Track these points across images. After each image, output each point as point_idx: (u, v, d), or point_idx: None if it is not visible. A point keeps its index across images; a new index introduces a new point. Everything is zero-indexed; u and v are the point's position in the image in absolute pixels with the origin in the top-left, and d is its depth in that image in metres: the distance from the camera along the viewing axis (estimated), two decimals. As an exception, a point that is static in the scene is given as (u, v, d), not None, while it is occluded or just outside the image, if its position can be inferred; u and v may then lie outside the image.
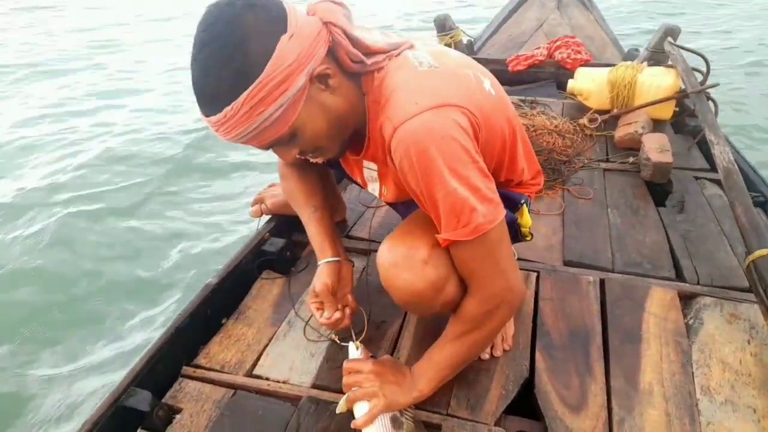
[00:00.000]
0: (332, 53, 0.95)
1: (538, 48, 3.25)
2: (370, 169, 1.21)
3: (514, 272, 1.08)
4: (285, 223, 1.77)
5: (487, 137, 1.03)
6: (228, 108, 0.86)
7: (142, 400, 1.20)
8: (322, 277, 1.30)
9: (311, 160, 1.08)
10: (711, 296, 1.53)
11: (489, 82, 1.08)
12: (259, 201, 1.75)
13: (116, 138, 4.14)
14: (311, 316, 1.47)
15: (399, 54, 1.01)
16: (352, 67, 0.97)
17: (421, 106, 0.92)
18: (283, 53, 0.85)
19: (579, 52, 3.10)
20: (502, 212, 1.00)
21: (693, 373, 1.31)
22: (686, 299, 1.54)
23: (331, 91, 0.95)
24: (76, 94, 5.07)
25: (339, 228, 1.81)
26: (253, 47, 0.84)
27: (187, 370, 1.34)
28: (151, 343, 1.32)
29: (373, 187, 1.26)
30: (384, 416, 1.11)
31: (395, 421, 1.11)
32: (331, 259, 1.32)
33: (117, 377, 1.25)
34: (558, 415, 1.21)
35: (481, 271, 1.05)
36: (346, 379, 1.16)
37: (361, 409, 1.11)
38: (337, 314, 1.27)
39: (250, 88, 0.85)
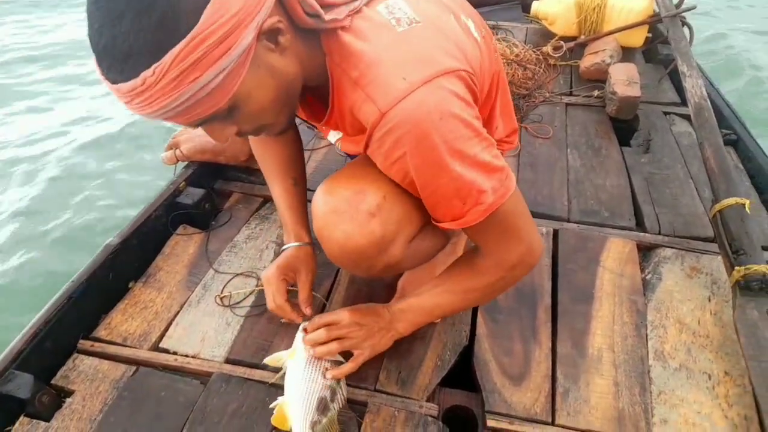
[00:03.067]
0: (281, 3, 0.73)
1: (504, -35, 2.96)
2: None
3: (533, 233, 0.94)
4: (204, 170, 1.57)
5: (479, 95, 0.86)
6: (148, 72, 0.61)
7: (21, 385, 1.03)
8: (308, 264, 1.16)
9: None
10: (672, 247, 1.41)
11: (473, 24, 0.90)
12: (173, 146, 1.54)
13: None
14: (230, 279, 1.31)
15: (366, 6, 0.80)
16: (306, 21, 0.75)
17: (411, 82, 0.74)
18: None
19: (548, -29, 2.83)
20: (513, 179, 0.85)
21: (647, 335, 1.20)
22: (645, 250, 1.42)
23: (280, 51, 0.74)
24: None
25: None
26: None
27: (84, 344, 1.18)
28: (36, 315, 1.14)
29: (333, 136, 1.08)
30: (313, 394, 0.98)
31: (322, 403, 0.98)
32: (303, 244, 1.17)
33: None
34: (497, 388, 1.10)
35: (498, 240, 0.92)
36: (328, 333, 1.00)
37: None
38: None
39: (181, 44, 0.61)
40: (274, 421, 0.98)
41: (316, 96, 0.94)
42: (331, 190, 0.92)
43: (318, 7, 0.74)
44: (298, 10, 0.74)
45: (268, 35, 0.71)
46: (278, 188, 1.21)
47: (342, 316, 1.03)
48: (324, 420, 0.96)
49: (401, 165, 0.80)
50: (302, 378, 1.00)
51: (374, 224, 0.89)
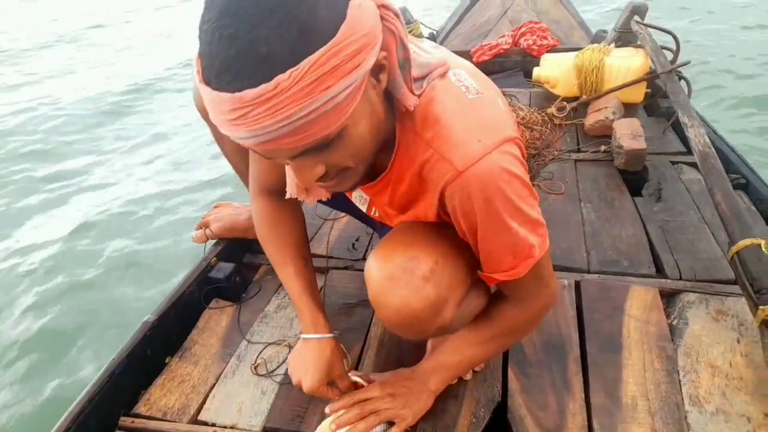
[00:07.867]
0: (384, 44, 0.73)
1: (503, 36, 3.13)
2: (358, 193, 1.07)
3: (554, 276, 1.03)
4: (233, 246, 1.64)
5: None
6: (283, 76, 0.60)
7: (68, 464, 1.06)
8: (335, 358, 1.13)
9: (326, 188, 0.88)
10: (695, 291, 1.42)
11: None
12: (203, 225, 1.61)
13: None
14: (263, 349, 1.35)
15: (443, 75, 0.85)
16: (395, 70, 0.77)
17: (486, 145, 0.80)
18: (356, 19, 0.64)
19: (545, 38, 2.99)
20: (546, 232, 0.93)
21: (680, 381, 1.20)
22: (668, 296, 1.44)
23: (378, 90, 0.75)
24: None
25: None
26: (322, 2, 0.61)
27: (125, 421, 1.20)
28: (81, 393, 1.18)
29: (360, 204, 1.12)
30: None
31: None
32: (328, 336, 1.14)
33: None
34: (535, 442, 1.10)
35: (530, 288, 0.99)
36: (361, 409, 1.05)
37: None
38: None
39: (321, 50, 0.60)
40: None
41: None
42: (385, 257, 0.94)
43: (411, 54, 0.77)
44: (394, 57, 0.75)
45: (375, 70, 0.71)
46: (290, 270, 1.19)
47: (373, 391, 1.06)
48: None
49: (468, 219, 0.85)
50: None
51: (429, 288, 0.91)
